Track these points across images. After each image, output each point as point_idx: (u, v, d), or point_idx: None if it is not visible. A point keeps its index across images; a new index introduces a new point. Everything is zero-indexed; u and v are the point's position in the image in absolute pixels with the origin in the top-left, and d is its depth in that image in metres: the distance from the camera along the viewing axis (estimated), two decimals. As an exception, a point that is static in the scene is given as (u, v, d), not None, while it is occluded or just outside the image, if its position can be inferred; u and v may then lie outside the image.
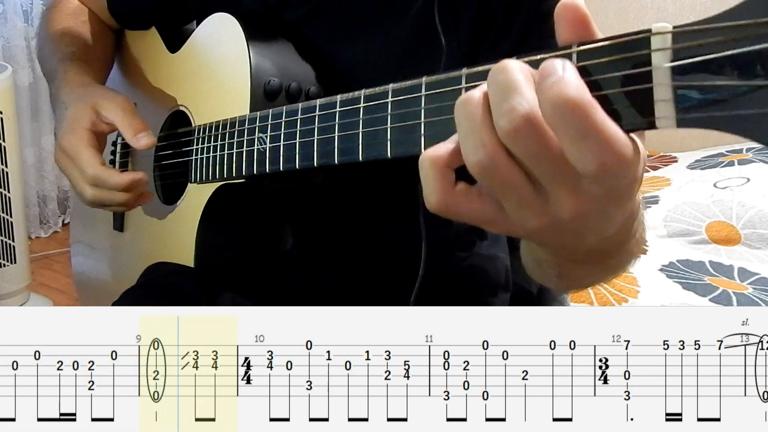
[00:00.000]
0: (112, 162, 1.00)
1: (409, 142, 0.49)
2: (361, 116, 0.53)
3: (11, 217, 2.08)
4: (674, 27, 0.35)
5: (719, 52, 0.33)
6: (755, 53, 0.32)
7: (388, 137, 0.50)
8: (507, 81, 0.36)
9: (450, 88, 0.45)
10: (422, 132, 0.47)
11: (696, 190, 1.80)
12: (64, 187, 2.79)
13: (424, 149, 0.45)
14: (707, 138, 2.27)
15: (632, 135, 0.37)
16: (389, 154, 0.50)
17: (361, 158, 0.53)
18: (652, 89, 0.35)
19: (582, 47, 0.37)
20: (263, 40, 0.74)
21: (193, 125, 0.81)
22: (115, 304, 0.82)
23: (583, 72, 0.37)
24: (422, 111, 0.47)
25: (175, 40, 0.90)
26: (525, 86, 0.35)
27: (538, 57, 0.39)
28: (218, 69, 0.78)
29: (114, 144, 0.99)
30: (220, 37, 0.78)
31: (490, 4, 0.67)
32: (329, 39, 0.75)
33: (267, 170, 0.65)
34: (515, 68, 0.36)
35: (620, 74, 0.36)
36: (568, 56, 0.38)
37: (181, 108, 0.85)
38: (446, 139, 0.41)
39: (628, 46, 0.36)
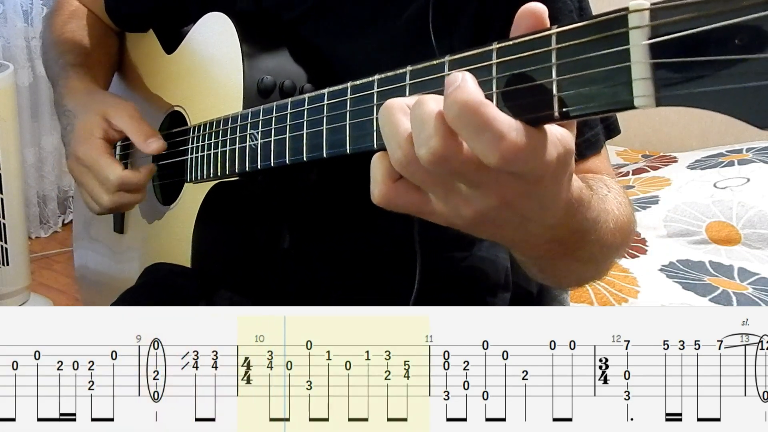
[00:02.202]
0: None
1: None
2: (348, 108, 0.53)
3: (4, 219, 2.07)
4: (651, 4, 0.35)
5: (697, 27, 0.33)
6: (733, 27, 0.32)
7: (374, 128, 0.50)
8: (424, 116, 0.40)
9: (434, 76, 0.45)
10: None
11: (696, 190, 1.80)
12: (64, 187, 2.79)
13: None
14: (707, 138, 2.27)
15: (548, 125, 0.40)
16: (375, 145, 0.50)
17: (348, 150, 0.53)
18: (630, 68, 0.35)
19: (561, 28, 0.38)
20: (257, 39, 0.74)
21: (189, 125, 0.81)
22: (114, 304, 0.82)
23: (562, 54, 0.38)
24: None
25: (171, 41, 0.90)
26: (440, 121, 0.39)
27: (518, 41, 0.40)
28: (212, 68, 0.78)
29: (113, 147, 0.99)
30: (214, 36, 0.78)
31: (487, 14, 0.67)
32: (325, 39, 0.75)
33: (259, 166, 0.66)
34: (431, 104, 0.40)
35: (599, 54, 0.36)
36: (548, 38, 0.38)
37: (178, 109, 0.85)
38: None
39: (606, 25, 0.36)
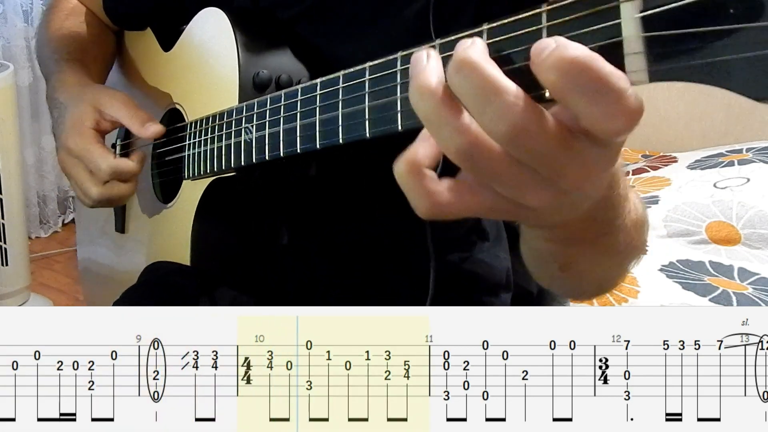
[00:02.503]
0: None
1: (386, 120, 0.47)
2: (340, 97, 0.52)
3: (3, 219, 2.07)
4: None
5: None
6: None
7: (366, 117, 0.49)
8: (485, 83, 0.34)
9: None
10: (399, 108, 0.46)
11: (696, 190, 1.80)
12: (64, 187, 2.79)
13: (401, 127, 0.45)
14: (707, 138, 2.27)
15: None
16: (367, 134, 0.49)
17: (341, 140, 0.52)
18: (622, 43, 0.34)
19: (551, 6, 0.37)
20: (253, 34, 0.74)
21: (187, 122, 0.81)
22: (115, 304, 0.82)
23: (553, 32, 0.36)
24: (398, 86, 0.46)
25: (168, 39, 0.90)
26: (507, 86, 0.34)
27: (508, 20, 0.39)
28: (208, 64, 0.78)
29: (113, 146, 0.99)
30: (209, 32, 0.78)
31: (487, 12, 0.67)
32: (324, 38, 0.75)
33: (254, 160, 0.65)
34: (486, 64, 0.34)
35: (590, 29, 0.35)
36: (538, 16, 0.37)
37: (176, 106, 0.85)
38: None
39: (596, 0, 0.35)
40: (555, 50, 0.33)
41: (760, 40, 0.30)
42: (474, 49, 0.35)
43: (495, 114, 0.34)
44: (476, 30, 0.40)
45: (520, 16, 0.38)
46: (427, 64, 0.37)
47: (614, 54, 0.34)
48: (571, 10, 0.36)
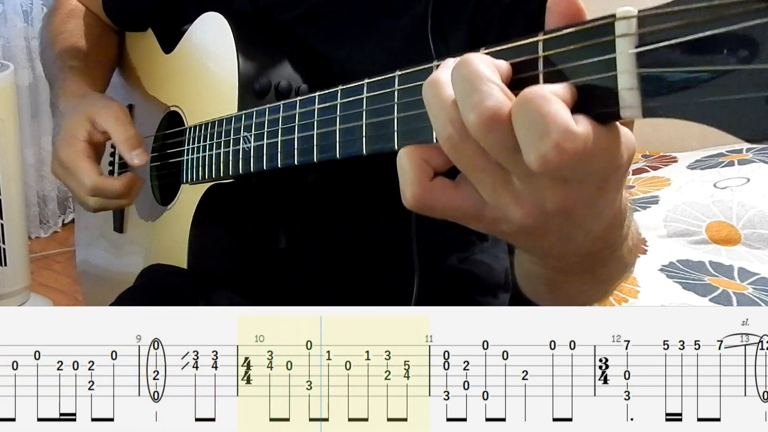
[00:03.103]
0: (111, 164, 1.00)
1: (383, 138, 0.47)
2: (338, 113, 0.52)
3: (2, 219, 2.07)
4: (639, 11, 0.33)
5: (686, 36, 0.31)
6: (722, 36, 0.31)
7: (363, 134, 0.49)
8: (471, 75, 0.35)
9: (423, 82, 0.43)
10: (395, 128, 0.46)
11: (696, 190, 1.80)
12: (64, 187, 2.79)
13: (397, 146, 0.45)
14: (707, 138, 2.27)
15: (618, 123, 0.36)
16: (364, 151, 0.49)
17: (338, 155, 0.52)
18: (617, 77, 0.34)
19: (547, 35, 0.36)
20: (253, 39, 0.74)
21: (186, 126, 0.81)
22: (113, 305, 0.82)
23: (549, 62, 0.36)
24: (395, 106, 0.46)
25: (170, 41, 0.90)
26: (490, 80, 0.35)
27: (504, 47, 0.38)
28: (208, 69, 0.78)
29: (113, 146, 0.99)
30: (210, 36, 0.78)
31: (483, 17, 0.67)
32: (322, 40, 0.75)
33: (252, 169, 0.65)
34: (479, 62, 0.36)
35: (585, 62, 0.35)
36: (534, 45, 0.37)
37: (176, 109, 0.85)
38: (419, 132, 0.41)
39: (593, 32, 0.35)
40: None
41: (753, 83, 0.30)
42: (476, 53, 0.37)
43: (471, 104, 0.35)
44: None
45: (517, 44, 0.38)
46: (445, 62, 0.39)
47: (608, 88, 0.34)
48: (568, 41, 0.36)
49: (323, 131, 0.54)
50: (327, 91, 0.54)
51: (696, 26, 0.31)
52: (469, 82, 0.35)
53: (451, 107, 0.37)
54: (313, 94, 0.56)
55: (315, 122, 0.55)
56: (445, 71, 0.38)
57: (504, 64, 0.37)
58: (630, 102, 0.34)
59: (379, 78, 0.47)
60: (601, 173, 0.36)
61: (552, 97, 0.34)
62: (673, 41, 0.32)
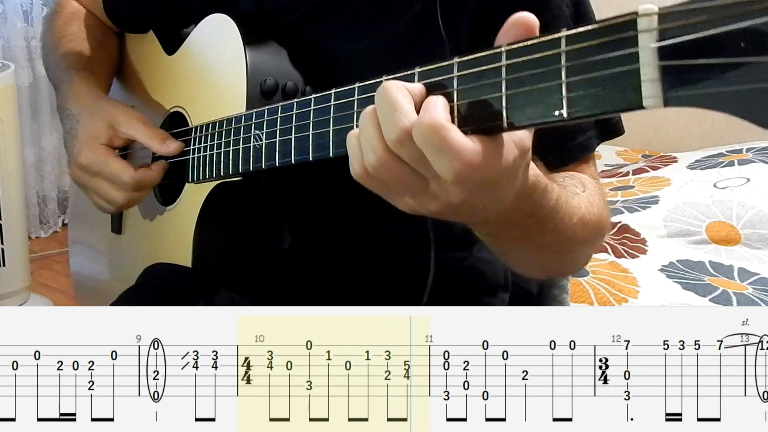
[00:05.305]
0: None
1: None
2: (355, 108, 0.53)
3: (1, 219, 2.07)
4: (660, 8, 0.36)
5: (704, 31, 0.34)
6: (738, 31, 0.33)
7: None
8: (390, 99, 0.44)
9: (445, 77, 0.46)
10: None
11: (696, 190, 1.80)
12: (64, 187, 2.79)
13: None
14: (707, 138, 2.27)
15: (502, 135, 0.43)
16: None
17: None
18: (639, 70, 0.36)
19: (570, 32, 0.39)
20: (259, 40, 0.74)
21: (191, 126, 0.81)
22: (113, 304, 0.82)
23: (572, 56, 0.39)
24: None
25: (171, 42, 0.90)
26: (406, 105, 0.44)
27: (526, 44, 0.41)
28: (215, 69, 0.78)
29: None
30: (217, 37, 0.78)
31: (489, 6, 0.67)
32: (329, 38, 0.75)
33: (263, 167, 0.66)
34: (396, 89, 0.44)
35: (608, 56, 0.37)
36: (557, 41, 0.39)
37: (179, 109, 0.85)
38: None
39: (615, 28, 0.37)
40: (426, 112, 0.43)
41: None
42: (398, 82, 0.46)
43: (390, 123, 0.44)
44: (494, 51, 0.42)
45: (540, 40, 0.40)
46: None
47: (631, 80, 0.37)
48: (590, 37, 0.38)
49: (339, 128, 0.55)
50: (344, 89, 0.55)
51: (713, 22, 0.33)
52: (388, 104, 0.44)
53: (375, 137, 0.45)
54: (329, 91, 0.56)
55: (331, 119, 0.56)
56: (372, 106, 0.46)
57: (419, 87, 0.45)
58: (653, 93, 0.36)
59: (399, 75, 0.50)
60: (491, 177, 0.44)
61: (447, 125, 0.42)
62: (692, 35, 0.34)
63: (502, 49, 0.42)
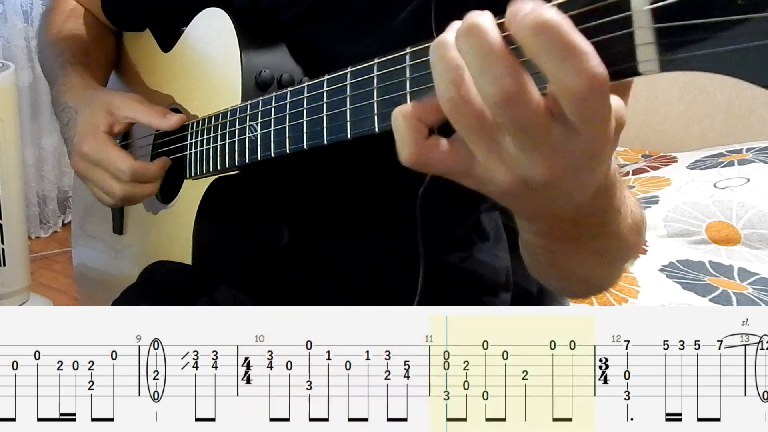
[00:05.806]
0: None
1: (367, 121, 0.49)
2: (348, 93, 0.53)
3: (1, 219, 2.07)
4: None
5: None
6: None
7: (375, 112, 0.50)
8: (486, 47, 0.36)
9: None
10: (408, 101, 0.47)
11: (696, 190, 1.80)
12: (64, 187, 2.79)
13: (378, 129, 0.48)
14: (707, 138, 2.27)
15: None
16: (376, 129, 0.50)
17: (349, 135, 0.53)
18: (633, 33, 0.35)
19: None
20: (255, 34, 0.74)
21: (188, 122, 0.81)
22: (115, 303, 0.82)
23: None
24: (407, 81, 0.47)
25: (168, 39, 0.90)
26: (506, 56, 0.36)
27: None
28: (210, 63, 0.78)
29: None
30: (211, 31, 0.78)
31: (489, 6, 0.67)
32: (324, 39, 0.75)
33: (259, 158, 0.66)
34: (491, 33, 0.37)
35: (600, 21, 0.36)
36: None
37: (176, 107, 0.85)
38: None
39: None
40: (531, 12, 0.35)
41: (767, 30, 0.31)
42: (484, 17, 0.38)
43: (490, 78, 0.37)
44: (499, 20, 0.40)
45: None
46: (451, 25, 0.40)
47: (625, 44, 0.35)
48: (582, 2, 0.37)
49: (332, 113, 0.55)
50: (335, 74, 0.55)
51: None
52: (484, 55, 0.36)
53: (455, 70, 0.38)
54: (321, 78, 0.56)
55: (324, 105, 0.56)
56: (451, 33, 0.39)
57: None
58: (648, 56, 0.35)
59: (390, 57, 0.49)
60: (601, 130, 0.38)
61: (567, 22, 0.35)
62: None
63: (501, 21, 0.40)
